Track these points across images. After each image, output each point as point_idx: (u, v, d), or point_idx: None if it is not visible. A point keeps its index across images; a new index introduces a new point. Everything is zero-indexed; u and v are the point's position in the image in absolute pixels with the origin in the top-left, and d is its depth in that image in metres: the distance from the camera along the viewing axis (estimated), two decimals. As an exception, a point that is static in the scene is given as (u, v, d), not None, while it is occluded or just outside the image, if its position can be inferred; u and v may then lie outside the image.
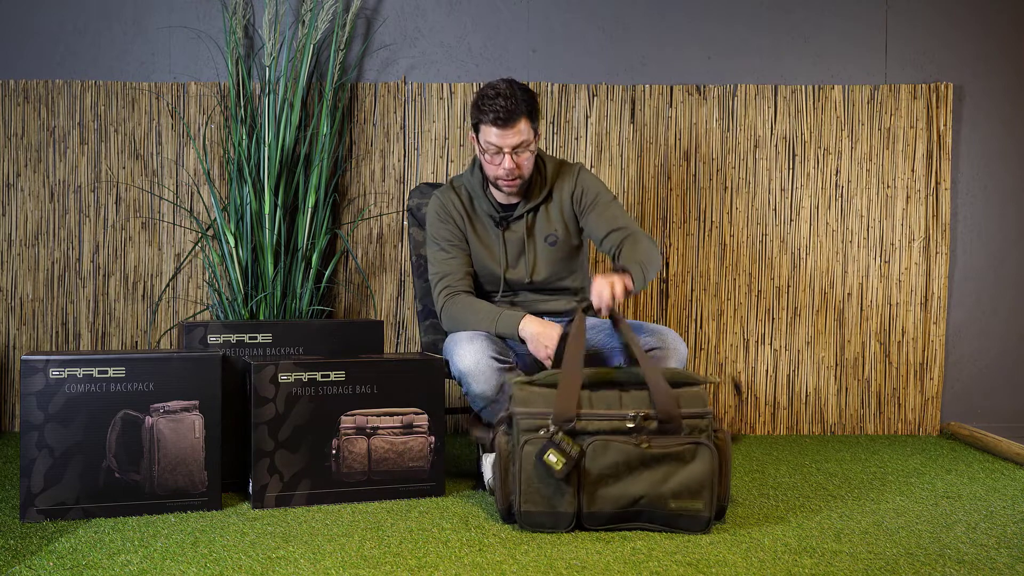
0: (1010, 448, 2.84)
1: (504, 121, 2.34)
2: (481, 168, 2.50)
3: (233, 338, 2.42)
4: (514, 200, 2.52)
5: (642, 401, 2.04)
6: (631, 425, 2.01)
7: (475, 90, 3.26)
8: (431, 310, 2.75)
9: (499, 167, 2.40)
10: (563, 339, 2.20)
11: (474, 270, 2.54)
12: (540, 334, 2.30)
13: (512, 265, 2.53)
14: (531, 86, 3.25)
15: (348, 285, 3.28)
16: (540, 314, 2.57)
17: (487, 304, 2.44)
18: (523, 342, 2.35)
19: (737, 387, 2.20)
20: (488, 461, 2.34)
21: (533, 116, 2.40)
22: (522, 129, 2.37)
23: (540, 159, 2.53)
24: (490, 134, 2.37)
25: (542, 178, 2.53)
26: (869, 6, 3.33)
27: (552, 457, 1.95)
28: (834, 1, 3.33)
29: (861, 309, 3.31)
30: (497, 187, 2.47)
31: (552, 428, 1.99)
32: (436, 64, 3.29)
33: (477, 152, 2.46)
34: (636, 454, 1.99)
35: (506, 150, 2.37)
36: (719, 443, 2.06)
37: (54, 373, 2.08)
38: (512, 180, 2.42)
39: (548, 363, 2.27)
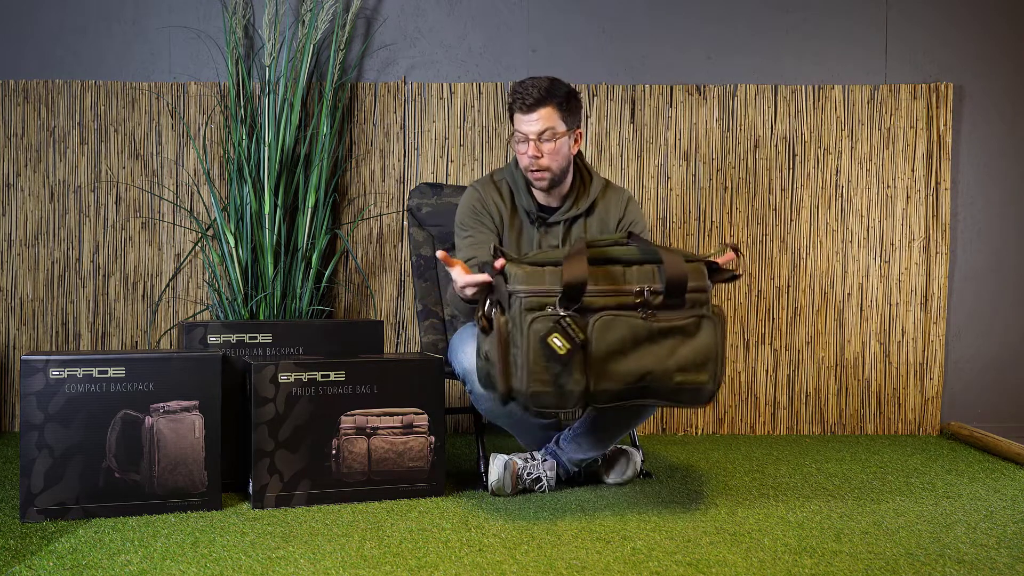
0: (1010, 448, 2.84)
1: (528, 107, 2.31)
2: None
3: (233, 338, 2.42)
4: (553, 203, 2.46)
5: (646, 276, 2.02)
6: (638, 300, 1.99)
7: (475, 90, 3.27)
8: (431, 310, 2.75)
9: (524, 155, 2.36)
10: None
11: None
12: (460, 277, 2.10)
13: None
14: (531, 86, 3.26)
15: (348, 285, 3.28)
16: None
17: None
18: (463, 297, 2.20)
19: (735, 249, 2.16)
20: (493, 461, 2.33)
21: (564, 108, 2.34)
22: (545, 115, 2.31)
23: (584, 169, 2.49)
24: (517, 120, 2.35)
25: (585, 189, 2.47)
26: (869, 6, 3.33)
27: (557, 341, 1.92)
28: (834, 1, 3.33)
29: (861, 309, 3.31)
30: (530, 182, 2.42)
31: (560, 309, 1.95)
32: (436, 64, 3.29)
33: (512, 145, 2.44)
34: (643, 328, 1.97)
35: (532, 136, 2.32)
36: (716, 317, 2.06)
37: (54, 373, 2.08)
38: (538, 172, 2.36)
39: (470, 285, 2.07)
